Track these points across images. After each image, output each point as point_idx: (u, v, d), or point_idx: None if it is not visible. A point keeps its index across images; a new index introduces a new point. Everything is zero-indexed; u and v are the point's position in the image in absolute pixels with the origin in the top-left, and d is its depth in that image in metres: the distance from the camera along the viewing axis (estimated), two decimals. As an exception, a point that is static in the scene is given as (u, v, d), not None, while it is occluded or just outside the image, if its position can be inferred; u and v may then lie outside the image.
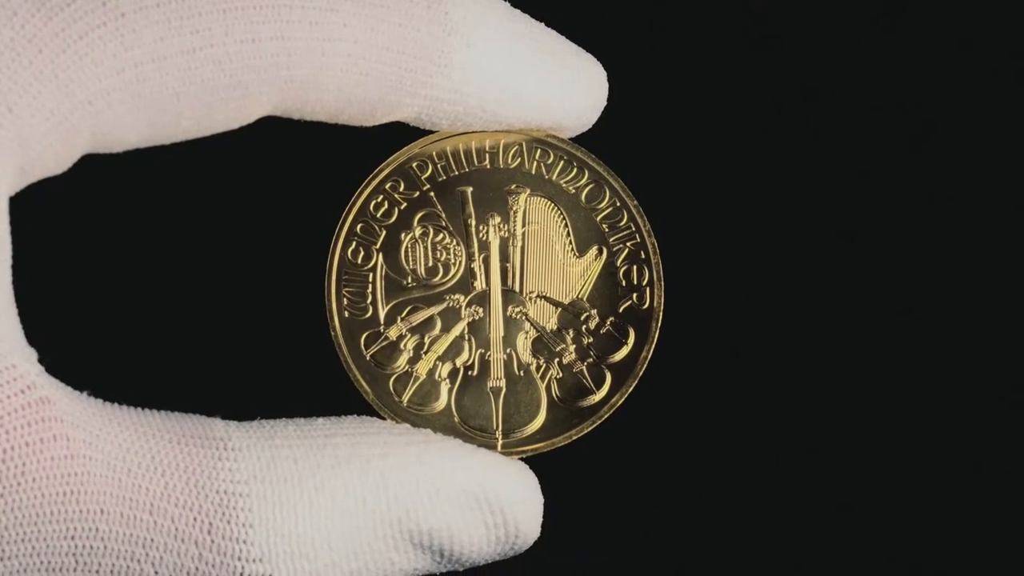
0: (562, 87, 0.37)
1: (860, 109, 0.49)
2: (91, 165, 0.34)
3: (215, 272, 0.46)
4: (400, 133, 0.38)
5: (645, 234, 0.38)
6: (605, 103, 0.38)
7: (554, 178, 0.38)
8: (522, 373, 0.38)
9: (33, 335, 0.33)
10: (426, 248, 0.38)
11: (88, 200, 0.43)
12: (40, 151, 0.32)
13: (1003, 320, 0.48)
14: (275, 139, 0.42)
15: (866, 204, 0.49)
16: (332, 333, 0.37)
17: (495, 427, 0.37)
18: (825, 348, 0.40)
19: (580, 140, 0.39)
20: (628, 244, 0.38)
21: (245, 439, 0.33)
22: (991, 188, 0.49)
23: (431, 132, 0.38)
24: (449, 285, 0.38)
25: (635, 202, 0.38)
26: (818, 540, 0.48)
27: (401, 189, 0.38)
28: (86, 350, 0.43)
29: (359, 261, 0.38)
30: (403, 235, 0.38)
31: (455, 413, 0.37)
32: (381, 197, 0.38)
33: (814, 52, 0.49)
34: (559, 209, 0.38)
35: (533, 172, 0.38)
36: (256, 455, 0.33)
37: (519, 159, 0.38)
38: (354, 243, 0.38)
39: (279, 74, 0.33)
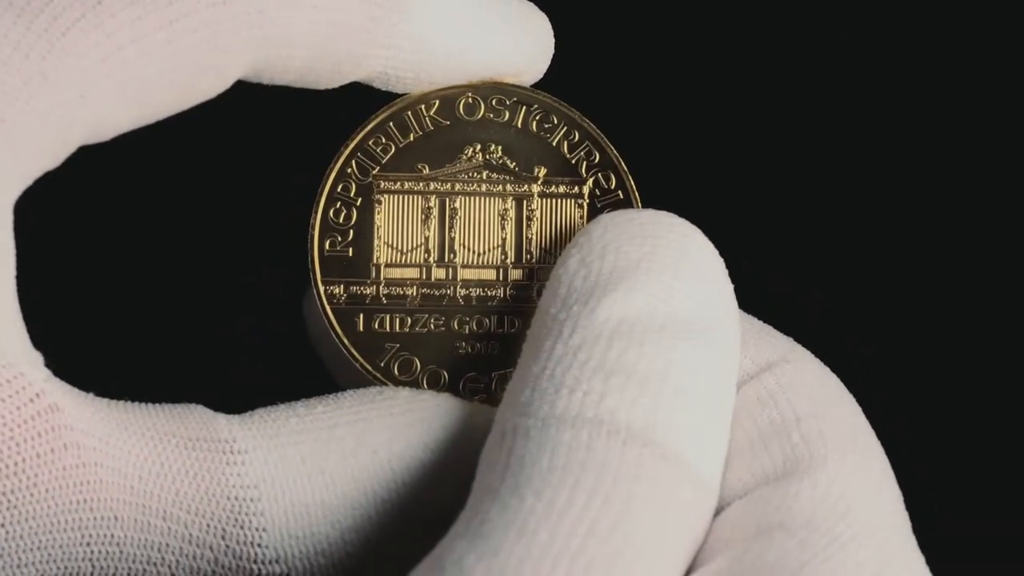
0: (516, 31, 0.38)
1: (850, 93, 0.50)
2: (71, 165, 0.34)
3: (204, 251, 0.46)
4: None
5: None
6: (553, 50, 0.39)
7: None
8: None
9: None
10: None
11: (67, 197, 0.42)
12: (37, 153, 0.32)
13: (1002, 321, 0.49)
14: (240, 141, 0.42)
15: (840, 162, 0.49)
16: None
17: None
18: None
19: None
20: None
21: (250, 439, 0.33)
22: (990, 190, 0.50)
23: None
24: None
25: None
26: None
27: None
28: (77, 336, 0.43)
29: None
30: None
31: None
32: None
33: (807, 44, 0.50)
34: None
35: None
36: (263, 457, 0.33)
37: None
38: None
39: (252, 32, 0.34)
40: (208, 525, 0.32)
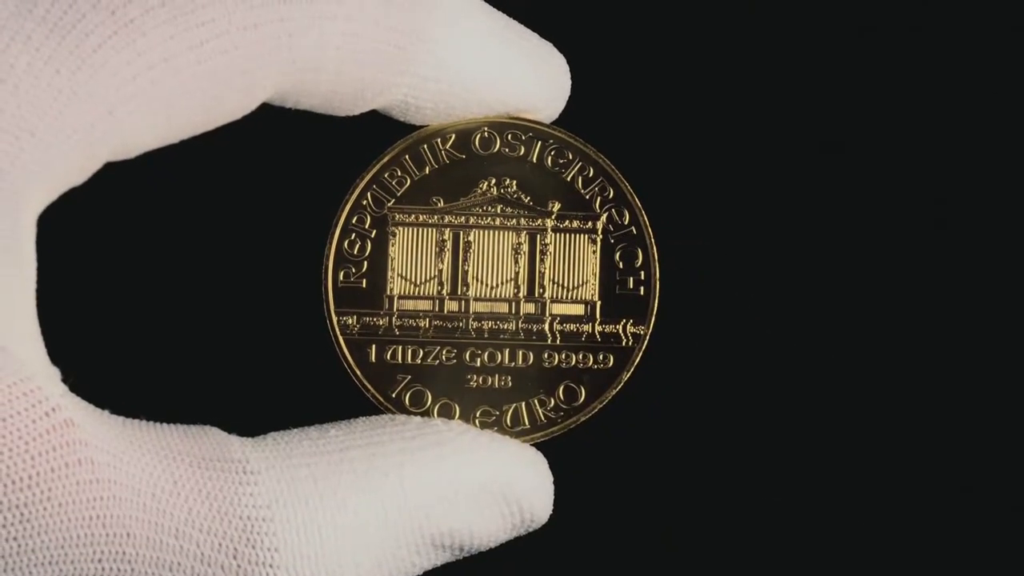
0: (536, 69, 0.38)
1: (856, 106, 0.50)
2: (91, 182, 0.34)
3: (219, 277, 0.46)
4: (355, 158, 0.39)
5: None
6: (569, 91, 0.39)
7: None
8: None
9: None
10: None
11: (83, 214, 0.43)
12: (65, 168, 0.32)
13: (999, 323, 0.49)
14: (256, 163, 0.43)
15: (862, 198, 0.49)
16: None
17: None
18: (817, 351, 0.41)
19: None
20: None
21: (263, 460, 0.33)
22: (990, 192, 0.50)
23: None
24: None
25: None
26: (813, 540, 0.48)
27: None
28: (93, 354, 0.43)
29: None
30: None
31: None
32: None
33: (810, 46, 0.50)
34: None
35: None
36: (276, 477, 0.33)
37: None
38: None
39: (281, 56, 0.34)
40: (220, 544, 0.32)
